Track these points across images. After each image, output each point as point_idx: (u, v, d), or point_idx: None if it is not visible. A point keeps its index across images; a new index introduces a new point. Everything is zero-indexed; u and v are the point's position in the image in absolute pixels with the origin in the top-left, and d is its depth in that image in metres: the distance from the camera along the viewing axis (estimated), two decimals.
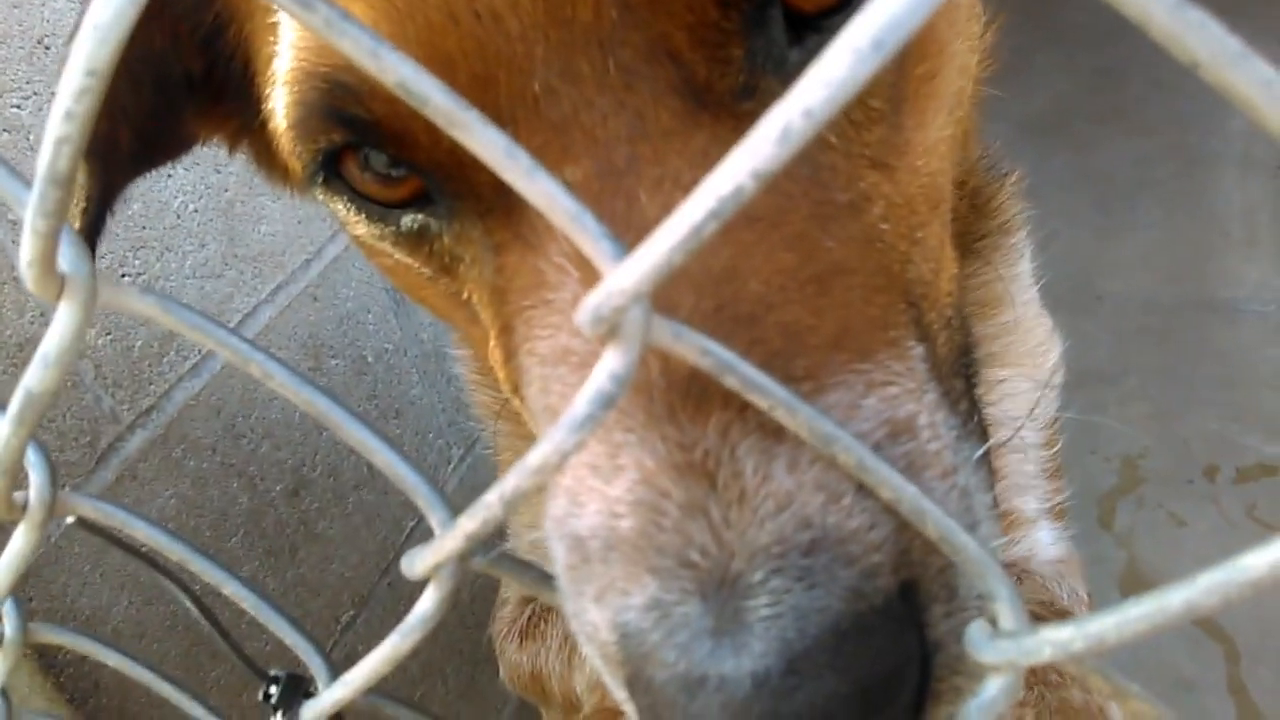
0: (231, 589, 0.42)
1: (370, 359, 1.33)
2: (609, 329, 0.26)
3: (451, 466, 1.50)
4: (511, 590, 1.02)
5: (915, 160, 0.47)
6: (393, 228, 0.52)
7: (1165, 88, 3.99)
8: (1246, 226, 3.29)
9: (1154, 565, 2.37)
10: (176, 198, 1.09)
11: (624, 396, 0.30)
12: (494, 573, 0.36)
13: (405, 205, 0.50)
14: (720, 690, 0.32)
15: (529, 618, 0.99)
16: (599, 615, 0.36)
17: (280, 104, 0.50)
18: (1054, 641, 0.27)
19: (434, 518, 0.34)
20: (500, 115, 0.41)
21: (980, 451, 0.40)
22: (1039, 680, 0.71)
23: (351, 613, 1.32)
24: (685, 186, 0.39)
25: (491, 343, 0.50)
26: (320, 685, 0.41)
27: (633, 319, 0.26)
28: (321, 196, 0.54)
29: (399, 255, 0.54)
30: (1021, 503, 0.87)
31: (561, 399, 0.41)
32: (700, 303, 0.38)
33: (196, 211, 1.11)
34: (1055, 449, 0.91)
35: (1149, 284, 3.15)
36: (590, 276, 0.35)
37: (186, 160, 1.10)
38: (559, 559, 0.38)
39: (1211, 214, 3.37)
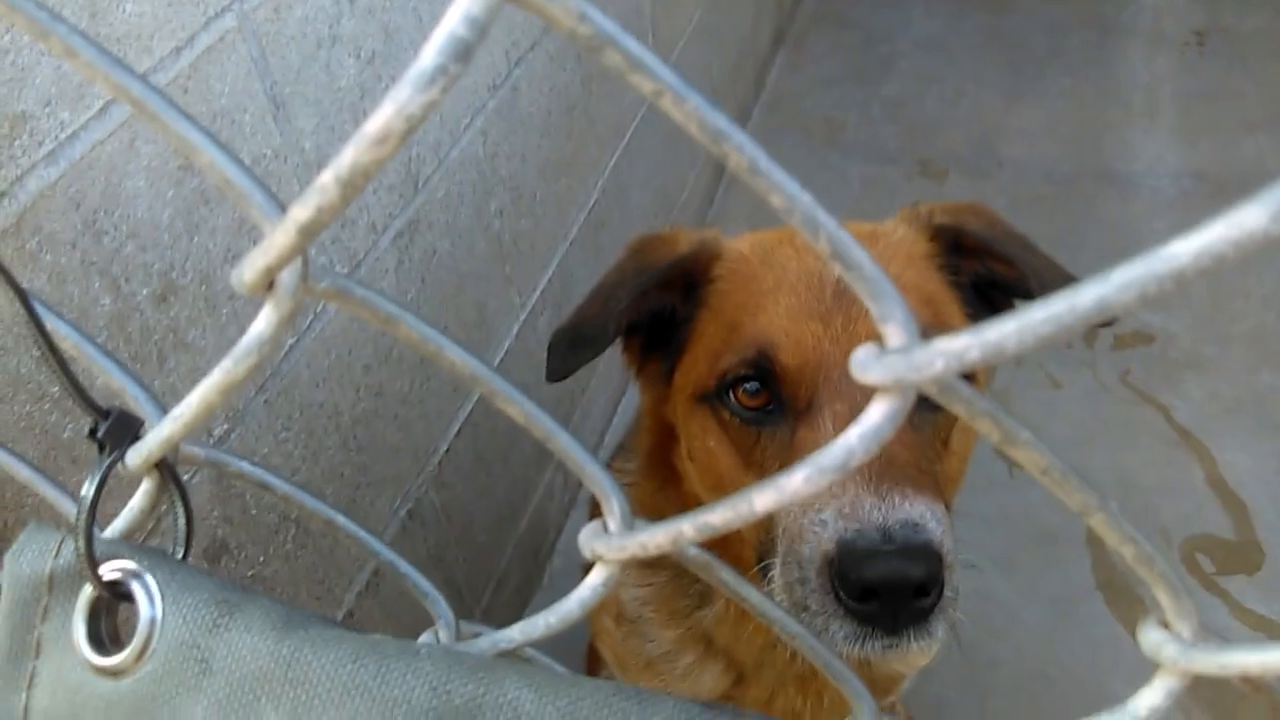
0: (53, 326, 0.38)
1: (247, 163, 1.25)
2: None
3: None
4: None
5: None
6: (739, 419, 1.05)
7: None
8: (1149, 100, 3.32)
9: (1029, 425, 2.43)
10: None
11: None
12: (339, 300, 0.32)
13: (755, 409, 1.04)
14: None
15: None
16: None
17: (725, 355, 1.06)
18: (947, 353, 0.25)
19: (266, 222, 0.29)
20: (817, 386, 1.01)
21: None
22: None
23: (225, 426, 1.27)
24: None
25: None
26: (150, 427, 0.37)
27: None
28: (705, 406, 1.10)
29: (728, 434, 1.08)
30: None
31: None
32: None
33: None
34: None
35: (1050, 152, 3.18)
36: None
37: None
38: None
39: (1117, 86, 3.39)
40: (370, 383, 1.53)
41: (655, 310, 1.18)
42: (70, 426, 1.07)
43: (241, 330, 1.13)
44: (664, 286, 1.16)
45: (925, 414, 1.03)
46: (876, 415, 0.27)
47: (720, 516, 0.30)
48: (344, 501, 1.48)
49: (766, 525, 1.02)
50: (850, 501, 0.90)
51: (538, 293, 2.08)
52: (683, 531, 0.31)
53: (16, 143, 0.99)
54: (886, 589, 0.86)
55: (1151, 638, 0.33)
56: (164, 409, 0.37)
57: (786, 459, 1.00)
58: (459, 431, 1.81)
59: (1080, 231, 2.89)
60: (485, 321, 1.87)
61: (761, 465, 1.04)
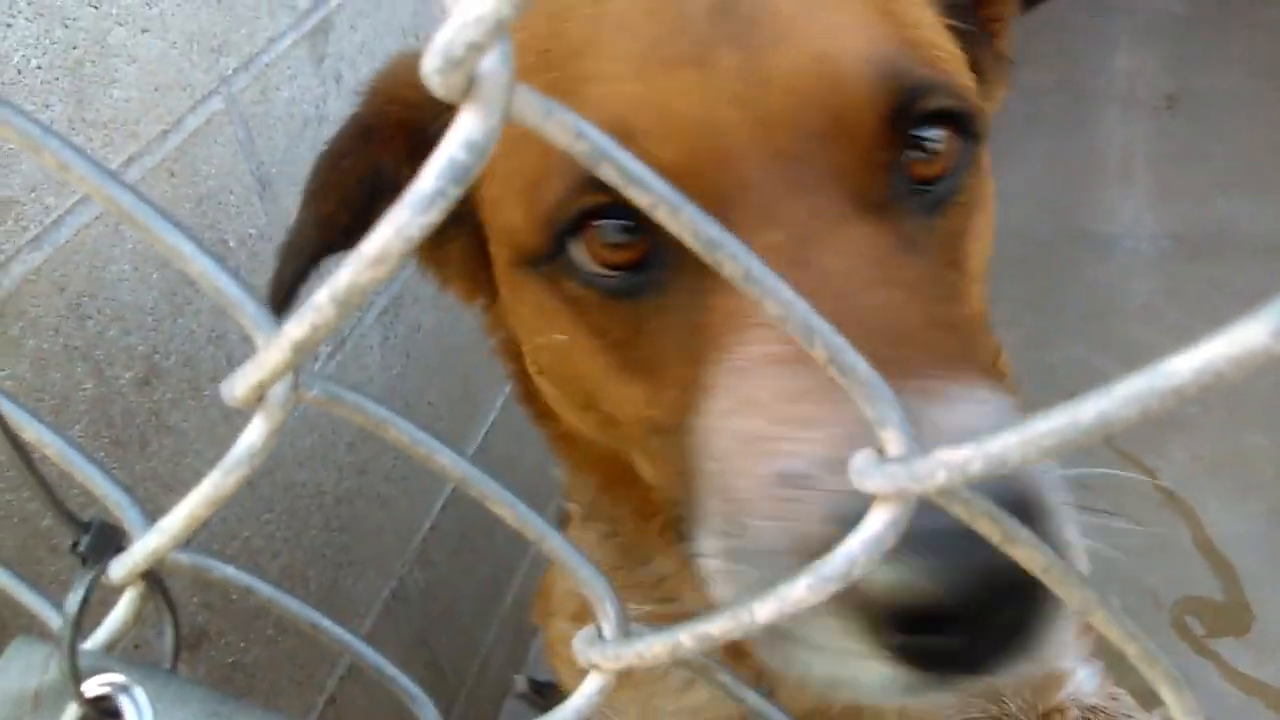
0: (34, 432, 0.37)
1: (232, 244, 1.25)
2: (465, 80, 0.22)
3: (319, 364, 1.43)
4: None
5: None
6: (599, 290, 0.62)
7: (1053, 25, 4.05)
8: (1125, 163, 3.38)
9: None
10: (17, 51, 0.99)
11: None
12: (329, 406, 0.32)
13: (624, 268, 0.61)
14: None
15: None
16: None
17: (548, 178, 0.61)
18: (949, 464, 0.25)
19: (259, 335, 0.29)
20: (722, 199, 0.56)
21: None
22: None
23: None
24: (844, 252, 0.56)
25: (651, 400, 0.62)
26: (134, 538, 0.36)
27: (492, 68, 0.22)
28: (538, 277, 0.66)
29: (586, 319, 0.64)
30: (1062, 663, 0.98)
31: (759, 388, 0.51)
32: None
33: (40, 68, 1.02)
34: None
35: (1029, 215, 3.21)
36: None
37: (29, 10, 1.00)
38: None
39: (1092, 150, 3.44)
40: (354, 461, 1.52)
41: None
42: (50, 515, 1.05)
43: (224, 413, 1.12)
44: (376, 150, 0.77)
45: (921, 219, 0.62)
46: (877, 524, 0.27)
47: (719, 627, 0.29)
48: (327, 583, 1.46)
49: (673, 456, 0.60)
50: (845, 431, 0.45)
51: None
52: (681, 642, 0.30)
53: (1, 228, 0.99)
54: (964, 612, 0.43)
55: None
56: (149, 519, 0.37)
57: (696, 350, 0.58)
58: (442, 508, 1.79)
59: (1060, 293, 2.92)
60: (470, 394, 1.86)
61: (653, 367, 0.62)
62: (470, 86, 0.22)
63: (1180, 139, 3.43)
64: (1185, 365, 0.21)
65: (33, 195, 1.02)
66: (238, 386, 0.29)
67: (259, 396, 0.29)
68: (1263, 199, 3.12)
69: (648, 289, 0.61)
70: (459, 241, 0.78)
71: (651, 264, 0.60)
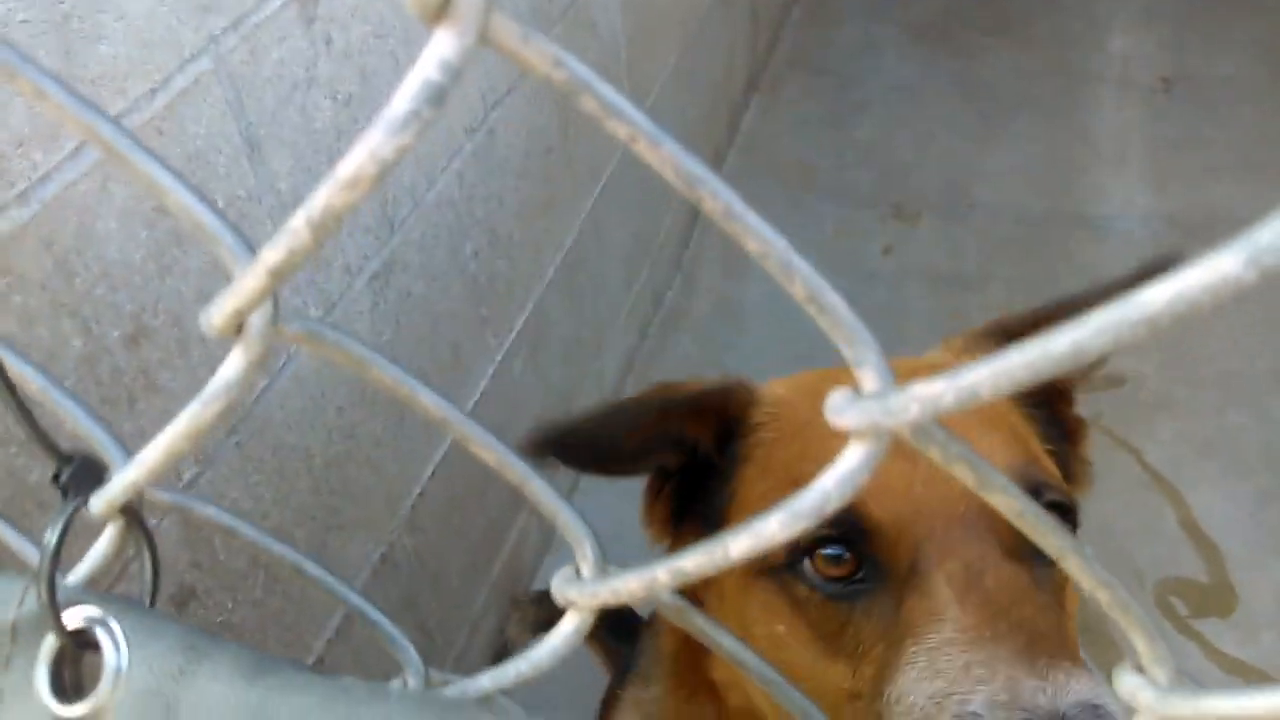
0: (17, 366, 0.37)
1: (221, 204, 1.25)
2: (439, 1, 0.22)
3: None
4: None
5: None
6: (821, 593, 0.86)
7: (1049, 6, 4.05)
8: (1118, 145, 3.38)
9: None
10: (2, 4, 0.99)
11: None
12: (309, 343, 0.32)
13: (841, 580, 0.86)
14: None
15: None
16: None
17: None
18: (921, 398, 0.25)
19: (236, 263, 0.29)
20: (916, 542, 0.83)
21: None
22: None
23: (196, 469, 1.25)
24: (1000, 581, 0.81)
25: (851, 675, 0.85)
26: (114, 472, 0.36)
27: None
28: (771, 581, 0.90)
29: (805, 615, 0.88)
30: None
31: (944, 660, 0.76)
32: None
33: (26, 22, 1.01)
34: None
35: (1021, 195, 3.21)
36: (968, 619, 0.78)
37: None
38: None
39: (1086, 131, 3.44)
40: (343, 424, 1.52)
41: (683, 458, 1.01)
42: (38, 470, 1.05)
43: (213, 373, 1.12)
44: (694, 416, 0.99)
45: (1042, 569, 0.86)
46: (852, 460, 0.27)
47: (694, 561, 0.30)
48: (315, 546, 1.47)
49: (857, 709, 0.85)
50: (1005, 685, 0.71)
51: (514, 334, 2.07)
52: (657, 577, 0.30)
53: None
54: None
55: (1128, 683, 0.33)
56: (129, 453, 0.37)
57: (893, 638, 0.82)
58: (432, 474, 1.79)
59: (1053, 273, 2.92)
60: (461, 363, 1.86)
61: (856, 650, 0.86)
62: (445, 5, 0.22)
63: (1176, 122, 3.43)
64: (1159, 295, 0.21)
65: (20, 150, 1.01)
66: (215, 314, 0.29)
67: (237, 326, 0.29)
68: (1258, 184, 3.13)
69: (859, 595, 0.85)
70: (691, 535, 1.00)
71: (863, 577, 0.85)
